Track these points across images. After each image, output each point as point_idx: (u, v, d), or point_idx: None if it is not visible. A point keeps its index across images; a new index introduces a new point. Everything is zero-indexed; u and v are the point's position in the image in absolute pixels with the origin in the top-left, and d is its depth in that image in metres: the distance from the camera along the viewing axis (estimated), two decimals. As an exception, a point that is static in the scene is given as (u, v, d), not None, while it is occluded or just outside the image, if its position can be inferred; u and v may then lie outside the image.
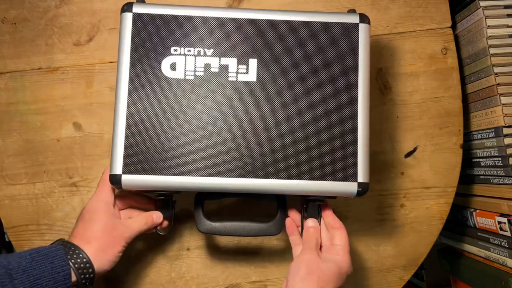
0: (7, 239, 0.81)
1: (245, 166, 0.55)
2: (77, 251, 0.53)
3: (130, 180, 0.55)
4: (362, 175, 0.56)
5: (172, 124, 0.56)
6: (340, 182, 0.56)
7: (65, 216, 0.68)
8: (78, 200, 0.68)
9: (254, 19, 0.57)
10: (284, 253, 0.70)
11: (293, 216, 0.62)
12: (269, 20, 0.57)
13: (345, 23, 0.58)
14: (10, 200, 0.68)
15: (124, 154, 0.55)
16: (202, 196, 0.61)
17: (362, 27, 0.58)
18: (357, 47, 0.58)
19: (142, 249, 0.69)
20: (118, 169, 0.55)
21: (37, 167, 0.68)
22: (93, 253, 0.54)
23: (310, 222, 0.60)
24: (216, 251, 0.70)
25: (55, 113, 0.69)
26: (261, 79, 0.57)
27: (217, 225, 0.60)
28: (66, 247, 0.53)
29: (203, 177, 0.55)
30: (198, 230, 0.61)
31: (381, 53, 0.72)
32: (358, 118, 0.57)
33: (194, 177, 0.55)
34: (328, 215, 0.61)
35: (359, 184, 0.56)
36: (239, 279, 0.70)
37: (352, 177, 0.56)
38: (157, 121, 0.55)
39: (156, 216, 0.61)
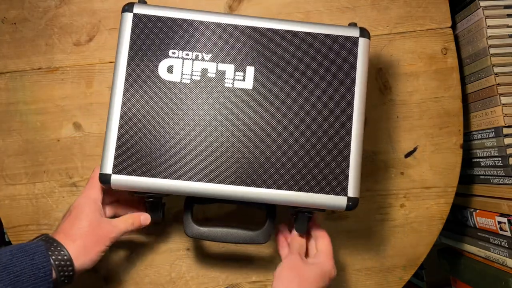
0: (7, 239, 0.81)
1: (236, 174, 0.55)
2: (59, 248, 0.53)
3: (120, 180, 0.55)
4: (352, 190, 0.56)
5: (166, 127, 0.55)
6: (330, 196, 0.56)
7: (65, 216, 0.68)
8: (78, 200, 0.68)
9: (254, 27, 0.57)
10: (284, 253, 0.70)
11: (284, 231, 0.63)
12: (269, 28, 0.57)
13: (344, 36, 0.58)
14: (10, 200, 0.68)
15: (115, 154, 0.55)
16: (192, 200, 0.61)
17: (362, 42, 0.58)
18: (355, 61, 0.57)
19: (142, 249, 0.69)
20: (108, 168, 0.55)
21: (37, 167, 0.68)
22: (75, 252, 0.53)
23: (295, 233, 0.61)
24: (216, 251, 0.70)
25: (55, 113, 0.69)
26: (257, 87, 0.56)
27: (205, 230, 0.60)
28: (48, 243, 0.53)
29: (194, 182, 0.55)
30: (186, 234, 0.60)
31: (381, 53, 0.72)
32: (352, 132, 0.57)
33: (184, 181, 0.55)
34: (313, 224, 0.62)
35: (349, 199, 0.56)
36: (239, 279, 0.70)
37: (343, 191, 0.56)
38: (151, 122, 0.55)
39: (143, 218, 0.60)
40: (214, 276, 0.69)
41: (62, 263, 0.52)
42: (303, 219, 0.61)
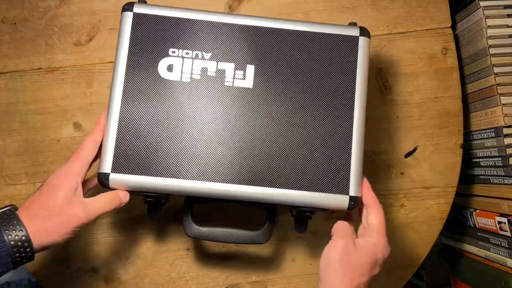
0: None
1: (236, 172, 0.55)
2: (18, 226, 0.48)
3: (119, 180, 0.54)
4: (354, 189, 0.55)
5: (165, 126, 0.55)
6: (332, 195, 0.55)
7: (65, 216, 0.68)
8: (78, 200, 0.68)
9: (254, 26, 0.57)
10: (284, 253, 0.70)
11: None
12: (269, 28, 0.57)
13: (345, 35, 0.58)
14: (10, 200, 0.68)
15: (114, 153, 0.54)
16: (192, 200, 0.61)
17: (362, 41, 0.58)
18: (356, 60, 0.57)
19: (142, 249, 0.69)
20: (107, 167, 0.54)
21: (37, 167, 0.68)
22: (35, 231, 0.49)
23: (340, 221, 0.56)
24: (216, 251, 0.70)
25: (55, 113, 0.69)
26: (257, 86, 0.56)
27: (205, 230, 0.60)
28: (7, 220, 0.49)
29: (193, 181, 0.55)
30: (186, 234, 0.60)
31: (381, 53, 0.72)
32: (353, 131, 0.56)
33: (184, 180, 0.54)
34: (365, 192, 0.56)
35: (351, 198, 0.55)
36: (239, 279, 0.70)
37: (344, 191, 0.55)
38: (150, 121, 0.55)
39: (123, 195, 0.56)
40: (214, 276, 0.69)
41: (19, 243, 0.48)
42: (303, 219, 0.61)
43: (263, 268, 0.70)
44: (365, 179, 0.57)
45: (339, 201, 0.55)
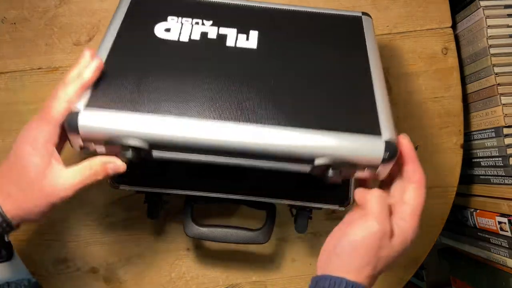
0: (7, 239, 0.80)
1: (239, 112, 0.44)
2: None
3: (93, 120, 0.42)
4: (387, 132, 0.43)
5: (157, 75, 0.48)
6: (360, 136, 0.43)
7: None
8: (78, 200, 0.68)
9: (258, 6, 0.57)
10: (284, 253, 0.70)
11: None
12: (274, 8, 0.57)
13: (348, 15, 0.58)
14: (10, 200, 0.68)
15: (91, 90, 0.44)
16: (192, 200, 0.61)
17: (365, 19, 0.59)
18: (362, 30, 0.57)
19: (142, 249, 0.69)
20: (78, 105, 0.42)
21: (37, 167, 0.68)
22: (10, 209, 0.43)
23: (378, 191, 0.44)
24: (216, 251, 0.70)
25: (55, 113, 0.69)
26: (262, 47, 0.52)
27: (205, 230, 0.60)
28: None
29: (188, 118, 0.43)
30: (186, 234, 0.60)
31: (381, 53, 0.71)
32: (372, 75, 0.50)
33: (177, 117, 0.43)
34: (409, 161, 0.44)
35: (387, 145, 0.42)
36: (239, 279, 0.70)
37: (375, 131, 0.43)
38: (139, 69, 0.48)
39: (113, 167, 0.45)
40: (214, 276, 0.69)
41: None
42: (303, 218, 0.60)
43: (263, 268, 0.70)
44: (404, 137, 0.45)
45: (371, 147, 0.43)
